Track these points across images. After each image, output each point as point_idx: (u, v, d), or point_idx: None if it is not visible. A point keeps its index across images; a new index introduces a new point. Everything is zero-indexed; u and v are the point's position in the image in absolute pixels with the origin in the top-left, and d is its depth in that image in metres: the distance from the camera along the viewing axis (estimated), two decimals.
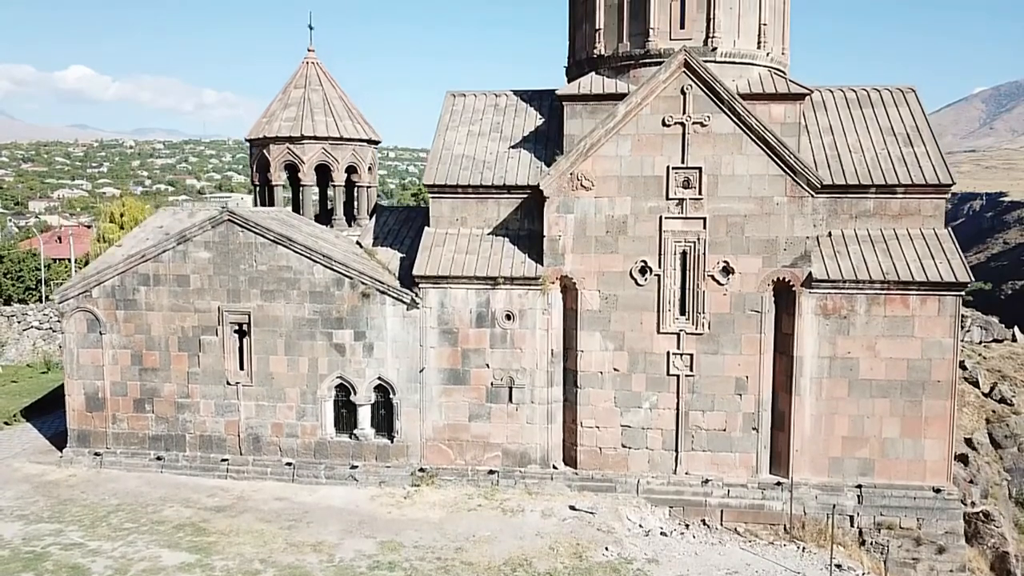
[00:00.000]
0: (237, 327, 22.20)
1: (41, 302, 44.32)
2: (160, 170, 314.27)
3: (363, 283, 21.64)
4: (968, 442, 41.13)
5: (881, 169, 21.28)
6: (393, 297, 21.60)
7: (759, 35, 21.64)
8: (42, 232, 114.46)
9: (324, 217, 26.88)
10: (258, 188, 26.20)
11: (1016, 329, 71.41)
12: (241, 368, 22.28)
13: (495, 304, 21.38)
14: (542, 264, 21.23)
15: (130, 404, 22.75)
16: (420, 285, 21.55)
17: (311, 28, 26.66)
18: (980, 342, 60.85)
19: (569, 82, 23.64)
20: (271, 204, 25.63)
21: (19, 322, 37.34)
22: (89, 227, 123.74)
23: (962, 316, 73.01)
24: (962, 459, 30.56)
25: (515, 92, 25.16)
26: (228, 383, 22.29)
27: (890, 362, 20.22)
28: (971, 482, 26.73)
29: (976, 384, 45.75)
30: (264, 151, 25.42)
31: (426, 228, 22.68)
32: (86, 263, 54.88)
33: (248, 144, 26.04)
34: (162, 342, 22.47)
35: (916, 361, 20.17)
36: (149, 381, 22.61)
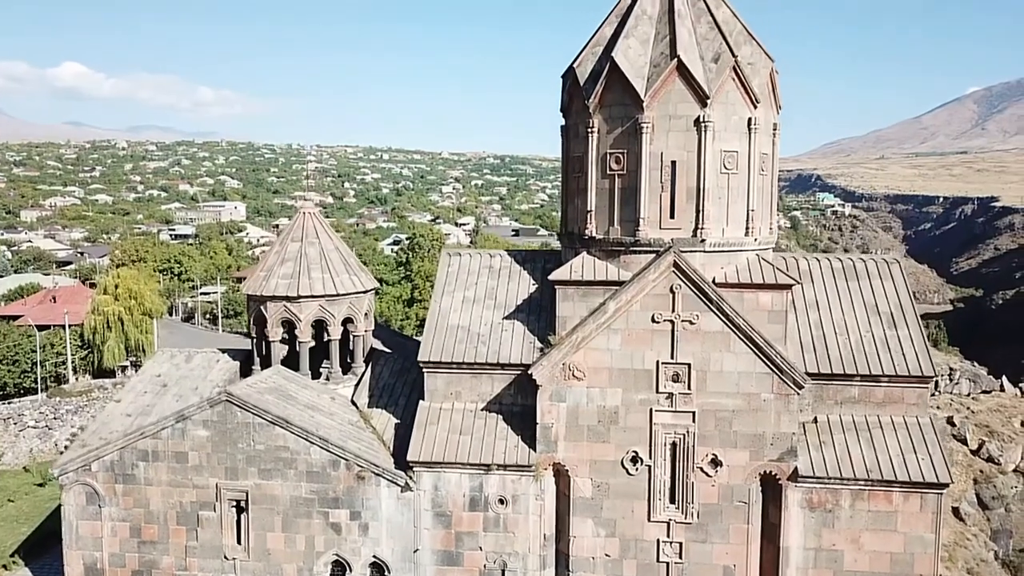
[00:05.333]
0: (235, 503, 22.58)
1: (36, 387, 44.49)
2: (153, 174, 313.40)
3: (359, 465, 22.03)
4: (955, 512, 41.83)
5: (866, 355, 21.75)
6: (388, 480, 22.01)
7: (747, 221, 22.02)
8: (35, 259, 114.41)
9: (321, 352, 27.15)
10: (255, 341, 26.48)
11: (1004, 379, 72.20)
12: (239, 543, 22.67)
13: (488, 489, 21.81)
14: (535, 450, 21.66)
15: None
16: (414, 468, 21.96)
17: (307, 178, 26.91)
18: (968, 394, 61.55)
19: (563, 248, 24.15)
20: (268, 359, 25.97)
21: (15, 423, 37.58)
22: (83, 254, 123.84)
23: (951, 368, 73.27)
24: None
25: (509, 252, 25.66)
26: (226, 557, 22.67)
27: (874, 555, 20.74)
28: None
29: (964, 442, 46.38)
30: (261, 307, 25.76)
31: (421, 402, 23.09)
32: (81, 335, 55.19)
33: (247, 298, 26.37)
34: (161, 516, 22.84)
35: (899, 555, 20.68)
36: (148, 554, 22.99)
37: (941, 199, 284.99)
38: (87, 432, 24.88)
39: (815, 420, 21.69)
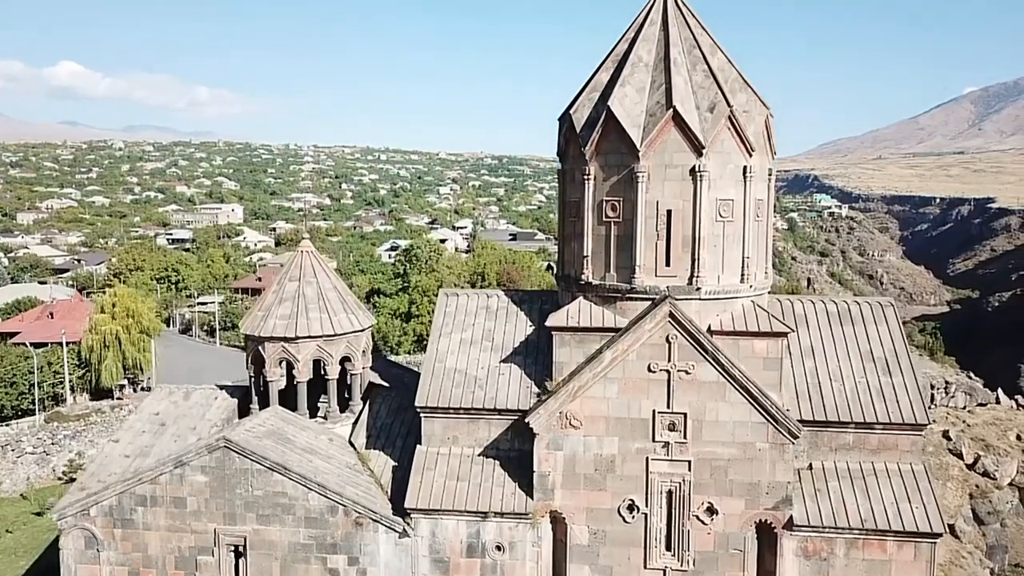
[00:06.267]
0: (233, 549, 22.67)
1: (34, 408, 44.48)
2: (150, 175, 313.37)
3: (357, 511, 22.14)
4: (951, 529, 41.94)
5: (860, 404, 21.88)
6: (386, 526, 22.13)
7: (742, 268, 22.10)
8: (32, 267, 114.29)
9: (319, 387, 27.17)
10: (253, 380, 26.53)
11: (1000, 391, 72.30)
12: None
13: (486, 535, 21.93)
14: (532, 497, 21.78)
15: None
16: (411, 515, 22.08)
17: (303, 215, 26.97)
18: (964, 407, 61.75)
19: (560, 291, 24.26)
20: (266, 396, 26.04)
21: (13, 450, 37.62)
22: (80, 262, 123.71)
23: (947, 381, 73.46)
24: None
25: (506, 292, 25.75)
26: None
27: None
28: None
29: (960, 456, 46.42)
30: (259, 347, 25.83)
31: (418, 446, 23.20)
32: (78, 354, 55.20)
33: (244, 337, 26.42)
34: (159, 561, 22.93)
35: None
36: None
37: (938, 200, 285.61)
38: (85, 474, 24.95)
39: (810, 467, 21.82)
